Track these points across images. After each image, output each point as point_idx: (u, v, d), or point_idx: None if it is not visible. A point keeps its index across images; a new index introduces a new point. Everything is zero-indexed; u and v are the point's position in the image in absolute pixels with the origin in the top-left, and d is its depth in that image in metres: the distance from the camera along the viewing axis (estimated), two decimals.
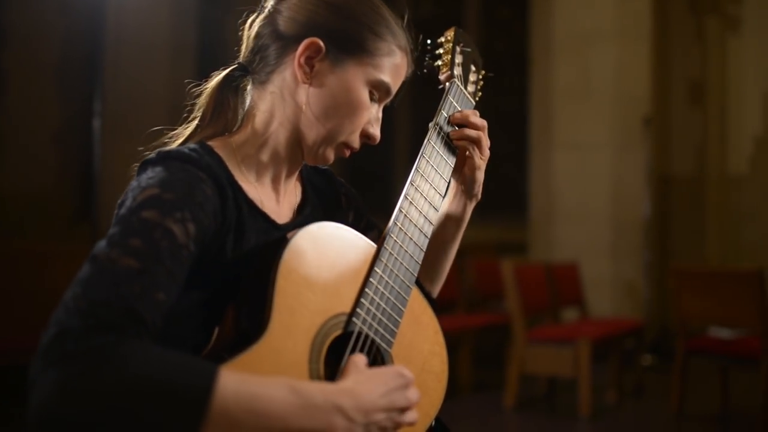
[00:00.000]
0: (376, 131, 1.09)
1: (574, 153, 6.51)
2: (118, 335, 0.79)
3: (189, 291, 0.92)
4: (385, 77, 1.07)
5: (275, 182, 1.09)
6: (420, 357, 1.04)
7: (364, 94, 1.06)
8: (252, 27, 1.09)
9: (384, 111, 1.14)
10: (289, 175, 1.11)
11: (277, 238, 0.99)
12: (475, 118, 1.17)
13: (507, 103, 7.55)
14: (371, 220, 1.26)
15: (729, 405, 4.40)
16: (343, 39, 1.04)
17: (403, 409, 0.91)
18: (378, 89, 1.07)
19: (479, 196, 1.22)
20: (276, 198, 1.09)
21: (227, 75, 1.10)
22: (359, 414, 0.85)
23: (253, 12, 1.11)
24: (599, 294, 6.08)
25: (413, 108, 8.45)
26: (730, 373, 4.41)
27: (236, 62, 1.10)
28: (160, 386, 0.76)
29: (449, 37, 1.23)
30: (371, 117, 1.08)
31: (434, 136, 1.14)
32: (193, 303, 0.94)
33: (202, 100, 1.10)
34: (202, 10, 7.60)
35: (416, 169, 1.10)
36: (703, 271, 4.70)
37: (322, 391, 0.85)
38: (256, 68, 1.08)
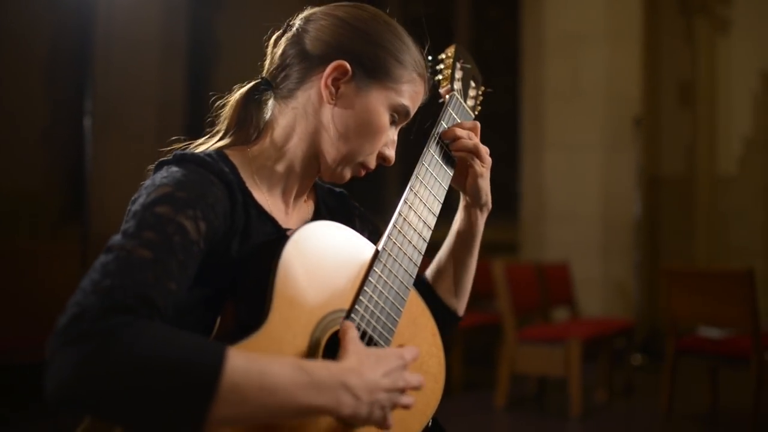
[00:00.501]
0: (391, 153, 1.15)
1: (564, 153, 6.53)
2: (133, 316, 0.82)
3: (193, 288, 0.95)
4: (406, 102, 1.12)
5: (286, 195, 1.13)
6: (418, 358, 1.04)
7: (386, 117, 1.11)
8: (278, 44, 1.13)
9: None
10: (300, 191, 1.15)
11: (278, 236, 1.02)
12: (467, 126, 1.21)
13: (498, 103, 7.56)
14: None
15: (719, 404, 4.42)
16: (370, 64, 1.09)
17: (401, 390, 0.94)
18: (398, 113, 1.12)
19: (489, 204, 1.24)
20: (285, 210, 1.13)
21: (251, 88, 1.13)
22: (365, 392, 0.88)
23: (278, 28, 1.15)
24: (589, 294, 6.10)
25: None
26: (719, 373, 4.43)
27: (260, 77, 1.14)
28: (171, 364, 0.79)
29: (450, 54, 1.28)
30: (388, 139, 1.13)
31: (433, 145, 1.17)
32: (195, 300, 0.97)
33: (225, 113, 1.14)
34: (192, 9, 7.57)
35: (415, 175, 1.13)
36: (694, 271, 4.72)
37: (328, 369, 0.87)
38: (279, 84, 1.11)
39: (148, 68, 7.12)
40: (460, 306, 1.28)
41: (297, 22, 1.13)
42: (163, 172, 1.00)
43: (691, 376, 4.84)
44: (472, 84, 1.31)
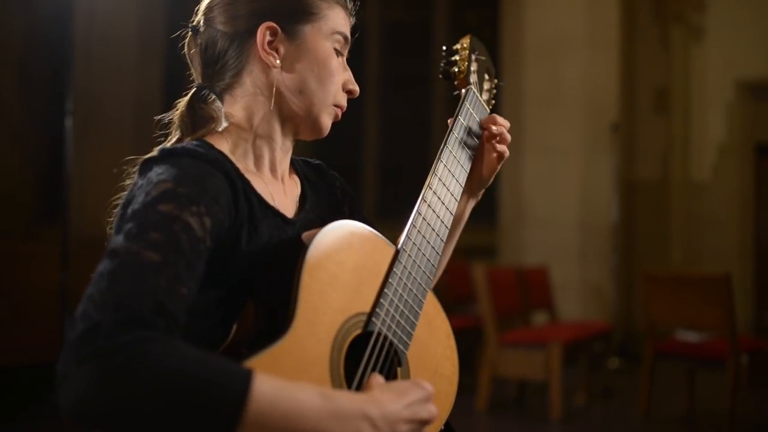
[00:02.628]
0: (355, 85, 1.13)
1: (543, 158, 6.58)
2: (150, 330, 0.79)
3: (205, 288, 0.92)
4: (339, 27, 1.11)
5: (274, 171, 1.10)
6: (433, 360, 1.06)
7: (329, 49, 1.09)
8: (192, 47, 1.11)
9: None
10: (286, 162, 1.13)
11: (293, 235, 1.01)
12: (500, 119, 1.23)
13: None
14: (366, 219, 1.25)
15: (696, 407, 4.48)
16: (290, 12, 1.07)
17: (424, 422, 0.92)
18: (337, 42, 1.11)
19: (480, 196, 1.26)
20: (282, 188, 1.11)
21: (192, 97, 1.09)
22: (385, 423, 0.87)
23: (184, 38, 1.12)
24: (567, 297, 6.15)
25: (383, 106, 8.46)
26: (696, 376, 4.49)
27: (195, 85, 1.10)
28: (197, 386, 0.77)
29: (465, 45, 1.25)
30: (344, 72, 1.12)
31: (452, 142, 1.16)
32: (209, 300, 0.94)
33: (177, 118, 1.09)
34: (169, 8, 7.51)
35: (434, 173, 1.11)
36: (672, 275, 4.78)
37: (350, 399, 0.86)
38: (216, 80, 1.09)
39: (125, 68, 7.05)
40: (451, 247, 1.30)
41: (200, 18, 1.11)
42: (156, 170, 0.95)
43: (668, 379, 4.90)
44: (486, 77, 1.29)
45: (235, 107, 1.08)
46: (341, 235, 0.97)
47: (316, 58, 1.08)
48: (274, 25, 1.06)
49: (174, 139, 1.08)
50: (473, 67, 1.25)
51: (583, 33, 6.54)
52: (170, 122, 1.10)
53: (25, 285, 4.23)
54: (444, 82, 1.27)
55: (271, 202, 1.05)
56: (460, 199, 1.20)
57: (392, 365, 1.00)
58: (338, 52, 1.11)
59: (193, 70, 1.12)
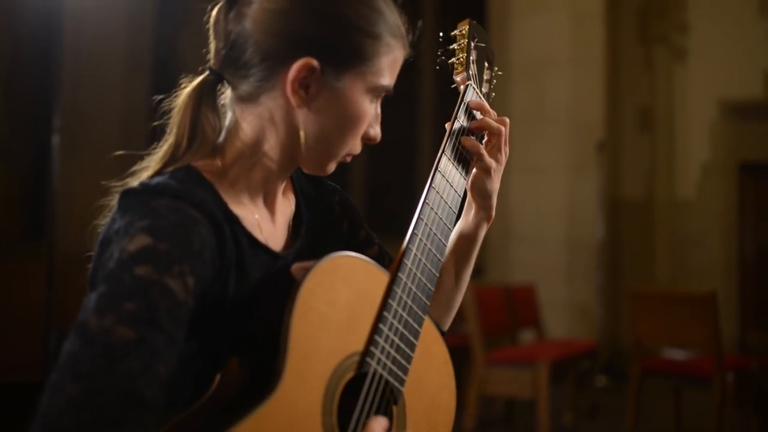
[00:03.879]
0: (377, 131, 1.01)
1: (529, 176, 6.62)
2: (118, 429, 0.71)
3: (187, 341, 0.84)
4: (385, 80, 0.97)
5: (269, 199, 1.00)
6: (430, 391, 1.01)
7: (365, 103, 0.96)
8: (220, 23, 0.95)
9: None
10: (281, 188, 1.03)
11: (280, 273, 0.91)
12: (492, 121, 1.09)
13: None
14: (370, 234, 1.16)
15: (682, 425, 4.49)
16: (338, 51, 0.93)
17: None
18: (379, 92, 0.98)
19: (492, 213, 1.12)
20: (271, 218, 1.01)
21: (200, 85, 0.96)
22: None
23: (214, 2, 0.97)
24: (554, 315, 6.16)
25: None
26: (683, 394, 4.50)
27: (207, 67, 0.97)
28: None
29: (463, 32, 1.14)
30: (371, 118, 0.99)
31: (449, 149, 1.06)
32: (191, 352, 0.85)
33: (174, 119, 0.96)
34: (156, 25, 7.51)
35: (431, 186, 1.02)
36: (658, 293, 4.81)
37: None
38: (234, 79, 0.95)
39: (112, 84, 7.04)
40: (447, 321, 1.17)
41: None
42: (134, 212, 0.84)
43: (655, 397, 4.91)
44: (486, 65, 1.17)
45: (243, 123, 0.96)
46: (333, 271, 0.90)
47: (349, 112, 0.95)
48: (315, 64, 0.91)
49: (163, 151, 0.96)
50: (472, 56, 1.14)
51: (569, 53, 6.61)
52: (167, 112, 0.98)
53: (9, 303, 4.17)
54: (444, 81, 1.16)
55: (261, 237, 0.96)
56: (470, 216, 1.11)
57: (388, 404, 0.94)
58: (372, 101, 0.99)
59: (210, 44, 0.97)
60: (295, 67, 0.91)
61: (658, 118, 7.25)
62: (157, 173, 0.94)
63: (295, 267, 0.90)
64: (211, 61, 0.97)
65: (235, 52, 0.94)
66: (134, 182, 0.92)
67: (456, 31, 1.15)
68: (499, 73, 1.20)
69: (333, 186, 1.14)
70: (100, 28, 6.61)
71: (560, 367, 4.52)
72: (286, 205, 1.05)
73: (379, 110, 1.01)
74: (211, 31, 0.97)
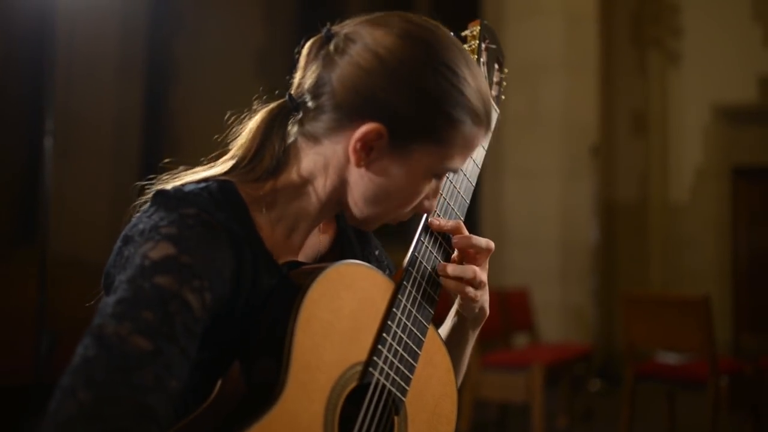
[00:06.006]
0: (432, 204, 0.97)
1: (523, 180, 6.63)
2: None
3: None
4: (455, 164, 0.94)
5: (296, 236, 0.97)
6: (432, 400, 1.00)
7: (424, 182, 0.93)
8: (313, 56, 0.94)
9: None
10: (313, 229, 1.00)
11: (285, 281, 0.91)
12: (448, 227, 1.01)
13: None
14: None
15: (676, 429, 4.49)
16: (412, 127, 0.90)
17: None
18: (444, 174, 0.96)
19: (486, 315, 1.08)
20: (296, 251, 0.99)
21: (276, 108, 0.96)
22: None
23: (316, 35, 0.95)
24: (548, 319, 6.16)
25: None
26: (677, 398, 4.50)
27: (288, 94, 0.96)
28: None
29: (474, 33, 1.11)
30: (430, 193, 0.96)
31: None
32: (197, 361, 0.84)
33: (244, 137, 0.96)
34: (150, 28, 7.49)
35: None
36: (651, 297, 4.81)
37: None
38: (307, 115, 0.94)
39: (105, 87, 7.01)
40: (458, 381, 1.12)
41: (340, 34, 0.93)
42: (162, 216, 0.85)
43: (649, 401, 4.91)
44: (496, 67, 1.16)
45: (304, 158, 0.95)
46: (337, 279, 0.89)
47: (404, 186, 0.92)
48: (384, 131, 0.89)
49: (227, 165, 0.96)
50: (483, 58, 1.12)
51: (562, 57, 6.63)
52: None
53: (1, 306, 4.16)
54: None
55: (281, 261, 0.95)
56: (457, 322, 1.07)
57: (390, 414, 0.94)
58: (438, 177, 0.96)
59: (296, 72, 0.96)
60: (364, 128, 0.89)
61: (652, 122, 7.27)
62: (195, 182, 0.93)
63: (296, 272, 0.90)
64: (293, 89, 0.96)
65: (315, 90, 0.93)
66: (169, 185, 0.92)
67: (467, 32, 1.13)
68: (506, 73, 1.18)
69: (376, 241, 1.13)
70: (93, 30, 6.59)
71: (554, 371, 4.51)
72: (321, 241, 1.03)
73: (441, 185, 0.98)
74: (301, 61, 0.96)
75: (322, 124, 0.93)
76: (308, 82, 0.94)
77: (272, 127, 0.96)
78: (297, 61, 0.97)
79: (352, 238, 1.07)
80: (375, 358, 0.91)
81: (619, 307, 4.49)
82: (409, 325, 0.95)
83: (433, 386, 1.00)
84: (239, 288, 0.88)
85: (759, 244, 7.13)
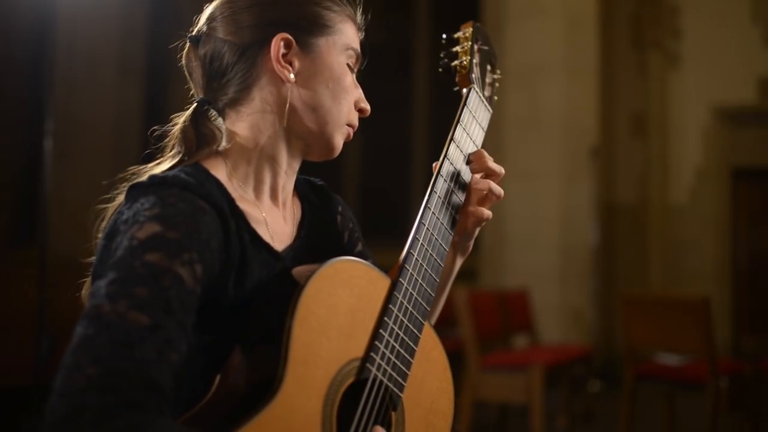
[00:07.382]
0: (366, 103, 1.08)
1: (523, 181, 6.63)
2: (141, 413, 0.72)
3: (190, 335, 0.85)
4: (353, 42, 1.06)
5: (274, 194, 1.04)
6: (429, 397, 1.01)
7: (344, 65, 1.05)
8: (192, 59, 1.04)
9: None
10: (287, 184, 1.06)
11: (283, 276, 0.93)
12: (491, 164, 1.12)
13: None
14: (366, 250, 1.19)
15: (676, 430, 4.49)
16: (304, 23, 1.02)
17: None
18: (350, 56, 1.06)
19: (470, 249, 1.16)
20: (282, 214, 1.05)
21: (193, 112, 1.01)
22: None
23: (181, 49, 1.05)
24: (547, 320, 6.16)
25: None
26: (677, 399, 4.50)
27: (195, 100, 1.03)
28: None
29: (467, 34, 1.14)
30: (355, 88, 1.07)
31: (452, 151, 1.07)
32: (192, 348, 0.85)
33: (177, 133, 1.01)
34: (149, 28, 7.50)
35: (432, 190, 1.03)
36: (651, 298, 4.81)
37: None
38: (219, 94, 1.02)
39: (105, 87, 7.01)
40: (435, 314, 1.20)
41: (202, 27, 1.03)
42: (142, 202, 0.86)
43: (649, 402, 4.91)
44: (489, 68, 1.17)
45: (239, 125, 1.01)
46: (334, 275, 0.90)
47: (331, 73, 1.03)
48: (289, 36, 1.00)
49: (169, 157, 1.01)
50: (476, 59, 1.13)
51: (562, 59, 6.63)
52: (163, 136, 1.03)
53: (1, 307, 4.15)
54: (438, 86, 1.17)
55: (266, 236, 0.98)
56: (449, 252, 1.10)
57: (387, 410, 0.95)
58: (351, 69, 1.06)
59: (192, 84, 1.05)
60: (274, 44, 1.00)
61: (652, 124, 7.27)
62: (167, 170, 0.98)
63: (298, 271, 0.91)
64: (196, 95, 1.04)
65: (215, 64, 1.02)
66: (143, 177, 0.94)
67: (459, 33, 1.15)
68: (499, 75, 1.20)
69: (337, 198, 1.17)
70: (93, 30, 6.60)
71: (554, 372, 4.51)
72: (293, 210, 1.09)
73: (359, 86, 1.08)
74: (188, 71, 1.05)
75: (239, 78, 1.01)
76: (204, 69, 1.03)
77: (197, 123, 1.01)
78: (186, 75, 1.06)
79: (314, 202, 1.13)
80: (372, 354, 0.92)
81: (618, 308, 4.48)
82: (405, 321, 0.96)
83: (430, 382, 1.01)
84: (228, 260, 0.91)
85: (759, 244, 7.14)
